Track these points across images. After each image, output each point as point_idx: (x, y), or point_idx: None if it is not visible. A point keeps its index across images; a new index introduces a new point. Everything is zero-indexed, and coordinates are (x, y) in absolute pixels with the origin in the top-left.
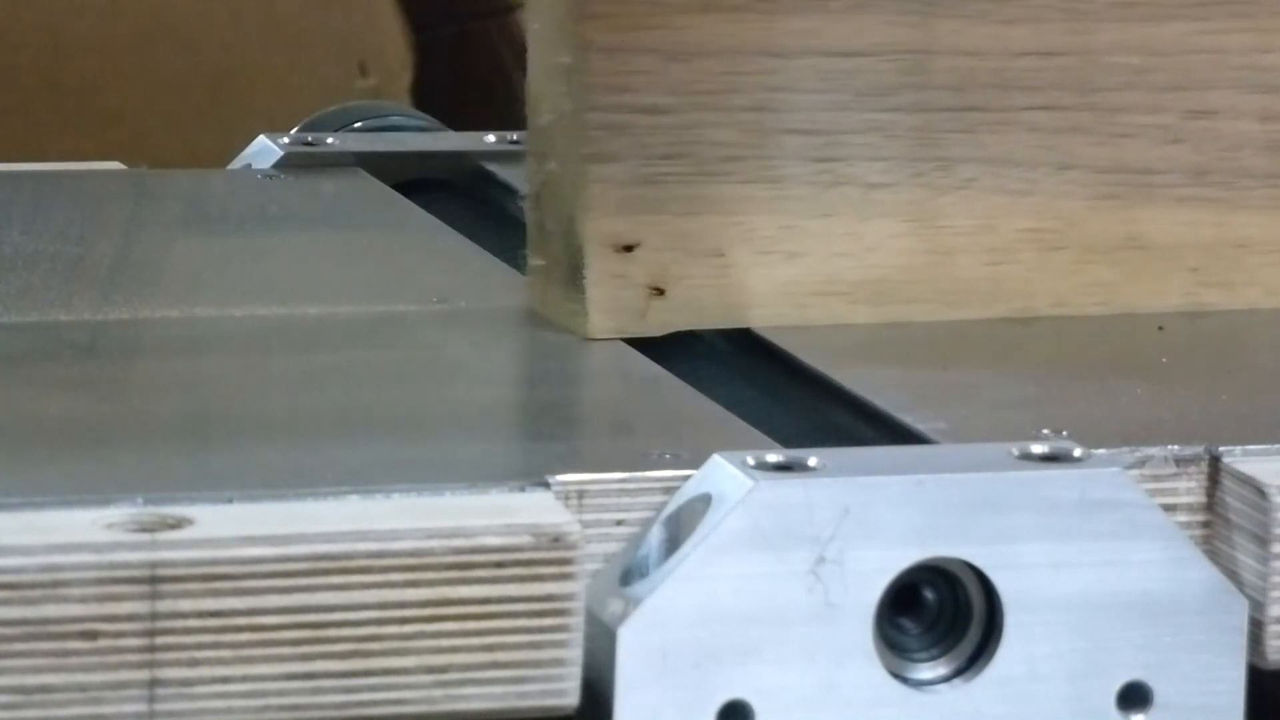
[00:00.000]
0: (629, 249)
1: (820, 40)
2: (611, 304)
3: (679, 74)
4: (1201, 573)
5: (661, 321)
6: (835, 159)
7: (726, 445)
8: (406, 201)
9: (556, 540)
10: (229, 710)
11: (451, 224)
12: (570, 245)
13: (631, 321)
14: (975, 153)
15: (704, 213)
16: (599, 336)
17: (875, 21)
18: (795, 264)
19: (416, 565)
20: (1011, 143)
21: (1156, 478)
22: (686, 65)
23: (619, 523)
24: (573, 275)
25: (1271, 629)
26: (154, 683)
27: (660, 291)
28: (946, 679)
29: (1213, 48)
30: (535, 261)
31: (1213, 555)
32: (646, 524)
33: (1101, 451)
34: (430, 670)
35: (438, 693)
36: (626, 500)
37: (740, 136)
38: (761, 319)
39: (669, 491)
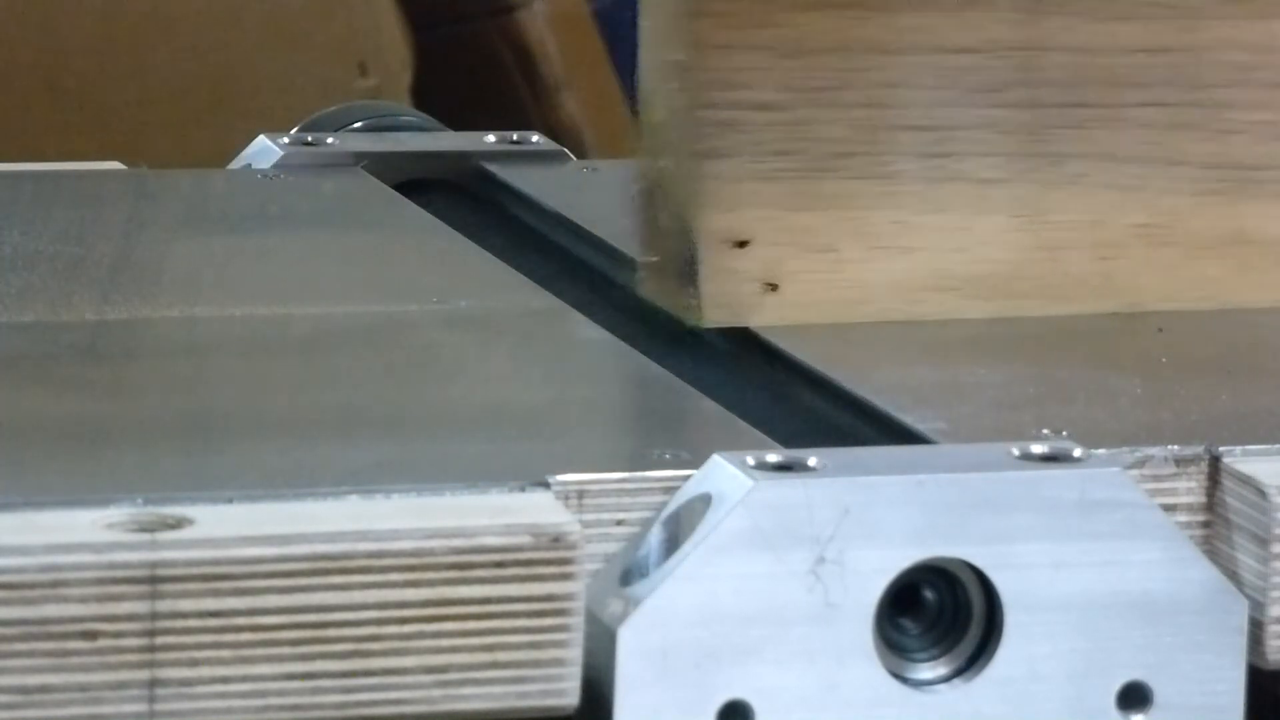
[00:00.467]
0: (742, 244)
1: (933, 37)
2: (725, 299)
3: (792, 70)
4: (1201, 573)
5: (775, 316)
6: (947, 155)
7: (726, 445)
8: (406, 201)
9: (556, 540)
10: (229, 710)
11: (451, 224)
12: (684, 241)
13: (745, 316)
14: (1085, 149)
15: (817, 208)
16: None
17: (987, 19)
18: (907, 259)
19: (416, 565)
20: (1121, 139)
21: (1156, 478)
22: (799, 62)
23: (619, 523)
24: (686, 271)
25: (1271, 629)
26: (154, 683)
27: (774, 287)
28: (946, 679)
29: None
30: (648, 257)
31: (1213, 555)
32: (646, 524)
33: (1101, 451)
34: (430, 670)
35: (438, 693)
36: (626, 500)
37: (853, 133)
38: (873, 314)
39: (669, 491)
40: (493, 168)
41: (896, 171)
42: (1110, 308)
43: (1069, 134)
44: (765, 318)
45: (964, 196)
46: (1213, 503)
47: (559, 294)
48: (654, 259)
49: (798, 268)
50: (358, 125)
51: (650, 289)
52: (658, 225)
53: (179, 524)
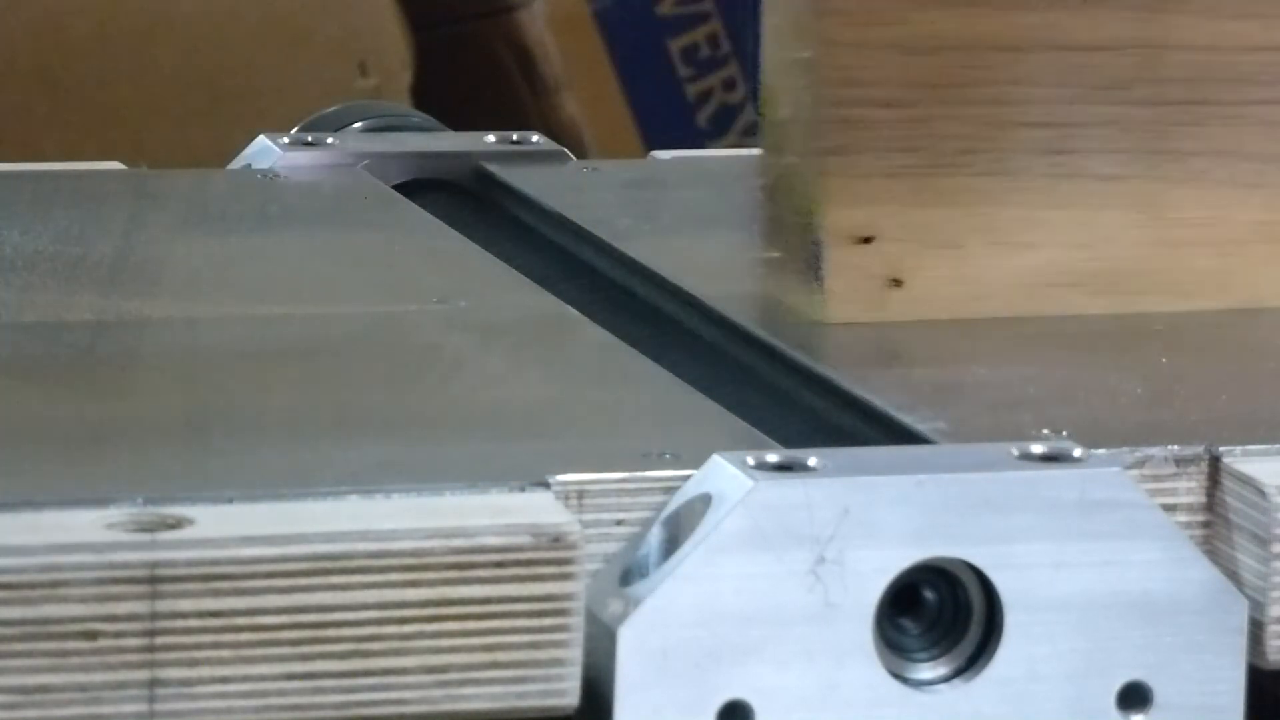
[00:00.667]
0: (867, 240)
1: (1056, 34)
2: (850, 295)
3: (916, 68)
4: (1201, 573)
5: (900, 312)
6: (1069, 151)
7: (726, 445)
8: (406, 201)
9: (556, 540)
10: (229, 710)
11: (451, 224)
12: (808, 237)
13: (870, 312)
14: (1206, 145)
15: (940, 205)
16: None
17: (1110, 16)
18: (1030, 255)
19: (416, 565)
20: (1242, 136)
21: (1156, 478)
22: (924, 59)
23: (619, 523)
24: (811, 267)
25: (1271, 629)
26: (154, 683)
27: (898, 283)
28: (946, 679)
29: None
30: (770, 253)
31: (1213, 555)
32: (646, 524)
33: (1101, 451)
34: (430, 670)
35: (438, 693)
36: (626, 500)
37: (976, 129)
38: (997, 309)
39: (669, 491)
40: (493, 168)
41: (1019, 168)
42: (1230, 304)
43: (1190, 131)
44: (889, 314)
45: (1086, 193)
46: (1213, 503)
47: (559, 294)
48: (776, 255)
49: (921, 264)
50: (358, 125)
51: (772, 285)
52: (780, 221)
53: (179, 524)
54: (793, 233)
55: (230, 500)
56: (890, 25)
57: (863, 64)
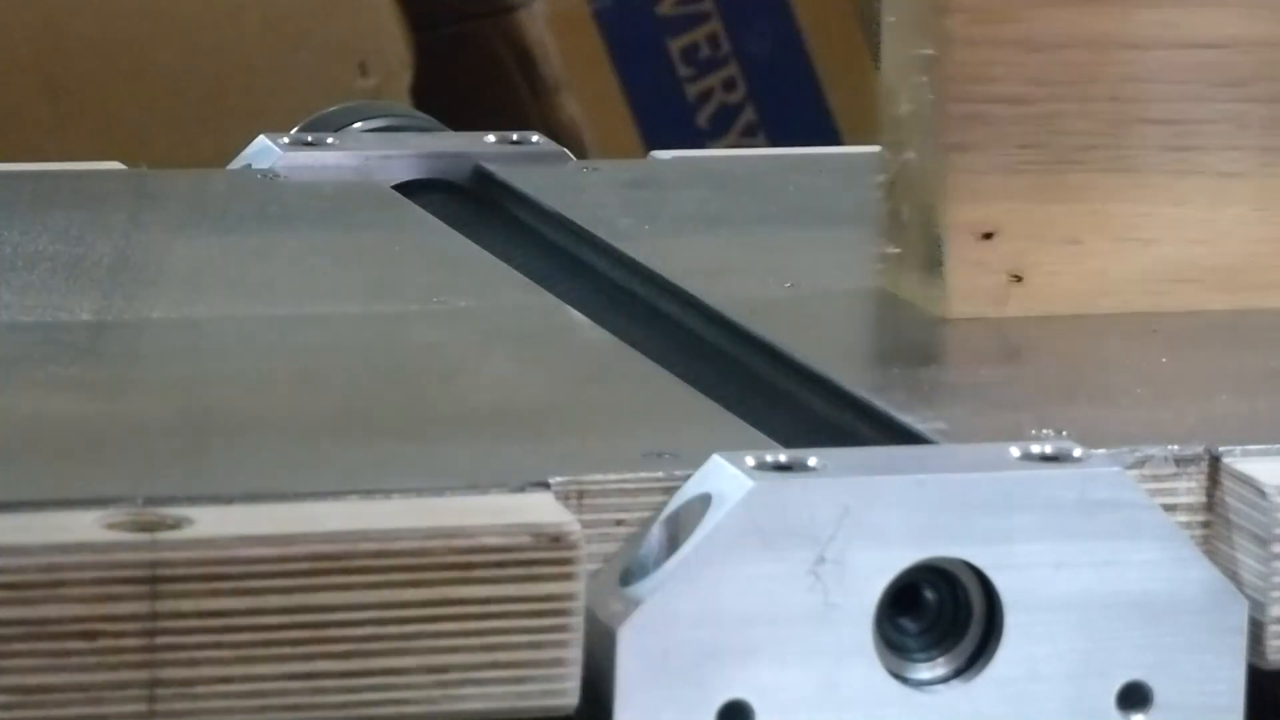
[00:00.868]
0: (988, 236)
1: (1176, 32)
2: (970, 290)
3: (1039, 65)
4: (1201, 573)
5: (1020, 307)
6: (1189, 148)
7: (726, 445)
8: (406, 201)
9: (556, 540)
10: (229, 710)
11: (451, 224)
12: (929, 233)
13: (990, 307)
14: None
15: (1061, 200)
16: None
17: (1229, 14)
18: (1150, 251)
19: (417, 565)
20: None
21: (1156, 478)
22: (1047, 56)
23: (619, 523)
24: (931, 262)
25: (1271, 629)
26: (154, 683)
27: (1018, 278)
28: (946, 679)
29: None
30: (889, 249)
31: (1213, 555)
32: (646, 524)
33: (1101, 451)
34: (430, 670)
35: (438, 693)
36: (626, 500)
37: (1097, 126)
38: (1115, 306)
39: (669, 491)
40: (493, 168)
41: (1139, 164)
42: None
43: None
44: (1010, 309)
45: (1206, 189)
46: (1213, 503)
47: (559, 294)
48: (896, 251)
49: (1042, 259)
50: (358, 125)
51: (891, 281)
52: (899, 217)
53: (179, 524)
54: (913, 229)
55: (230, 500)
56: (1012, 23)
57: (985, 61)
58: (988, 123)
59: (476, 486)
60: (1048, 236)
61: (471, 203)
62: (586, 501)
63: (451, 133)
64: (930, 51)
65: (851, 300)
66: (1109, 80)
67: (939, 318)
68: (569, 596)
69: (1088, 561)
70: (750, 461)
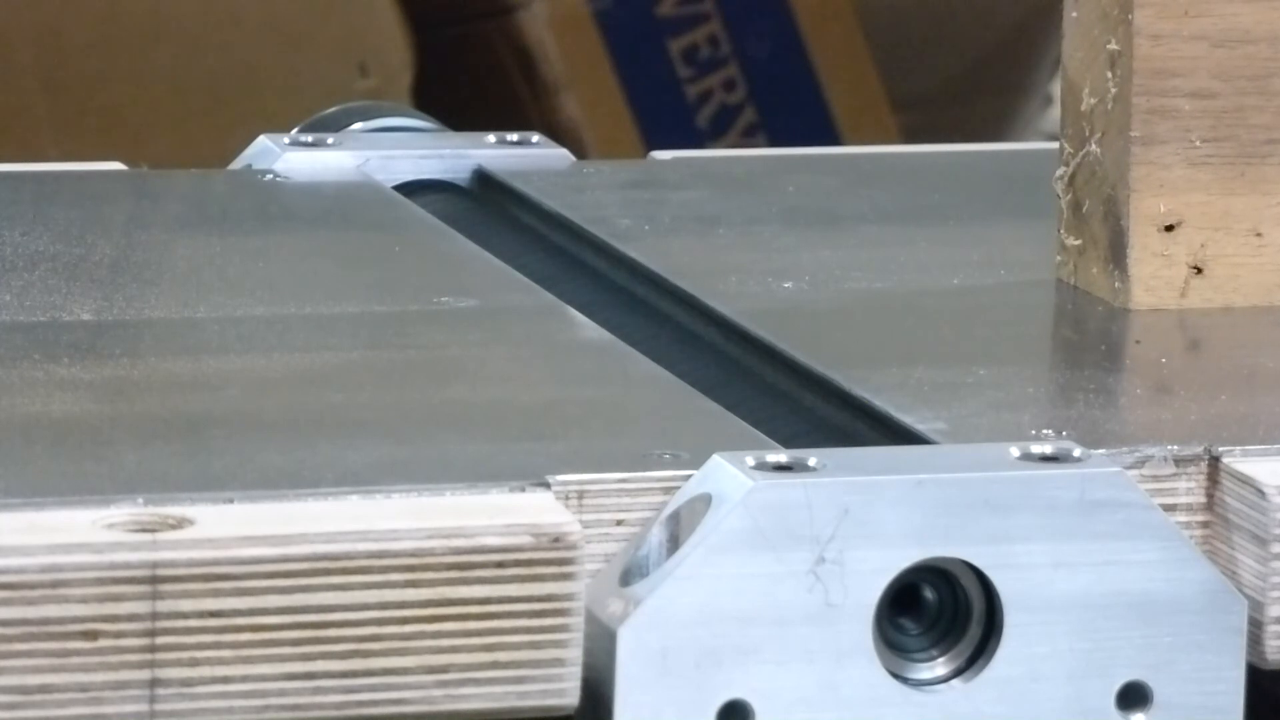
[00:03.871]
0: (1170, 228)
1: None
2: (1153, 281)
3: (1224, 59)
4: (1201, 573)
5: (1201, 299)
6: None
7: (726, 445)
8: (406, 202)
9: (556, 540)
10: (229, 710)
11: (451, 224)
12: (1112, 225)
13: (1172, 298)
14: None
15: (1242, 193)
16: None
17: None
18: None
19: (417, 565)
20: None
21: (1156, 478)
22: (1231, 50)
23: (619, 523)
24: (1114, 254)
25: (1271, 629)
26: (154, 683)
27: (1199, 270)
28: (946, 679)
29: None
30: (1070, 240)
31: (1212, 555)
32: (646, 524)
33: (1101, 451)
34: (430, 670)
35: (438, 693)
36: (626, 500)
37: None
38: None
39: (669, 491)
40: (493, 168)
41: None
42: None
43: None
44: (1191, 301)
45: None
46: (1212, 503)
47: (559, 294)
48: (1076, 243)
49: (1223, 251)
50: (358, 126)
51: (1072, 272)
52: (1081, 209)
53: (179, 524)
54: (1095, 220)
55: (230, 500)
56: (1198, 17)
57: (1171, 55)
58: (1172, 116)
59: (476, 486)
60: (1229, 228)
61: (471, 203)
62: (586, 501)
63: (452, 133)
64: (1115, 46)
65: (852, 300)
66: None
67: (1120, 309)
68: (569, 596)
69: (1087, 561)
70: (750, 461)
